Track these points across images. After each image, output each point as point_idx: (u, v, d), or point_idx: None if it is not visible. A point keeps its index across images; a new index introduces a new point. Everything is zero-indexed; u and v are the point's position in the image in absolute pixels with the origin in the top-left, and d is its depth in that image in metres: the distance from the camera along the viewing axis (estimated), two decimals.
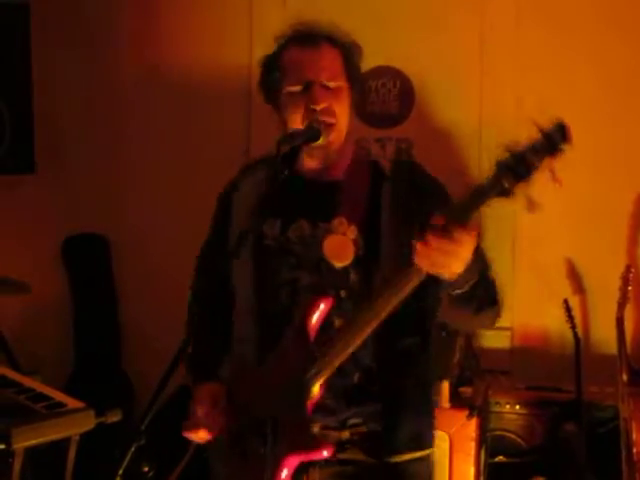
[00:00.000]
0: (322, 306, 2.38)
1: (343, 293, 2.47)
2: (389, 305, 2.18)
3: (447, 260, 2.06)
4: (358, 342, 2.27)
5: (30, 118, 4.84)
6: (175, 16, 4.97)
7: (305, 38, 2.58)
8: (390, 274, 2.21)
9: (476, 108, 4.48)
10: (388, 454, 2.47)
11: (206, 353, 2.70)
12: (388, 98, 4.61)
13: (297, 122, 2.50)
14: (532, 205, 2.04)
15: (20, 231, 4.87)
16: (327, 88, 2.52)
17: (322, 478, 2.46)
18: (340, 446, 2.47)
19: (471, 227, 2.05)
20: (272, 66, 2.60)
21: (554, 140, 2.03)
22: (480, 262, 2.24)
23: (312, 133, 2.44)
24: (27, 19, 4.79)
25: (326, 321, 2.40)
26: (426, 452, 2.56)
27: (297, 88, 2.52)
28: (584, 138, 4.35)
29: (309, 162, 2.58)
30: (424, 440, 2.57)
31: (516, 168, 2.00)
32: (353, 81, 2.60)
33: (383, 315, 2.20)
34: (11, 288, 4.02)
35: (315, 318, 2.38)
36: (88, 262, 5.13)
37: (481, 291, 2.31)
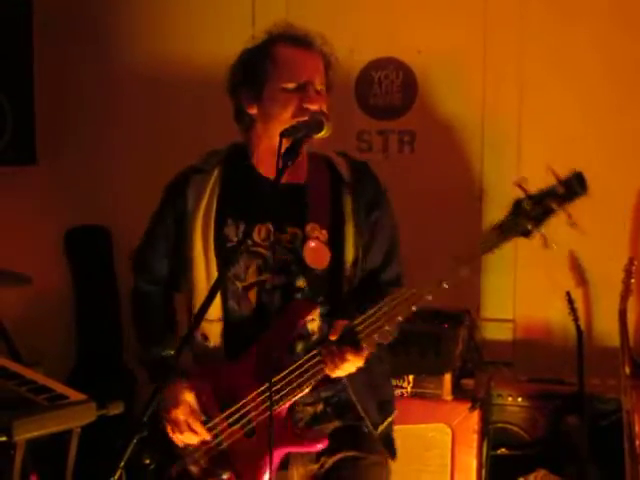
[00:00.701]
0: (312, 315, 2.58)
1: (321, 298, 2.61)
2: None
3: (334, 369, 2.44)
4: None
5: (31, 110, 4.83)
6: (178, 12, 4.96)
7: (299, 39, 2.62)
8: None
9: (479, 100, 4.47)
10: (375, 429, 2.65)
11: (166, 354, 2.75)
12: (391, 90, 4.59)
13: (285, 118, 2.53)
14: (547, 243, 2.32)
15: (22, 223, 4.87)
16: (318, 92, 2.58)
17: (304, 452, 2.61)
18: (315, 419, 2.63)
19: (362, 351, 2.42)
20: (260, 59, 2.61)
21: (573, 188, 2.29)
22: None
23: (316, 124, 2.45)
24: (29, 12, 4.79)
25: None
26: (393, 416, 2.76)
27: (291, 85, 2.55)
28: (587, 129, 4.38)
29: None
30: (391, 406, 2.77)
31: (535, 211, 2.33)
32: (329, 91, 2.66)
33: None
34: (13, 280, 4.01)
35: (302, 324, 2.57)
36: (90, 254, 5.13)
37: None
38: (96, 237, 5.10)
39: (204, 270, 2.62)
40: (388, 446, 2.71)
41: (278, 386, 2.48)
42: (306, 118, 2.49)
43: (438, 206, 4.48)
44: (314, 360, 2.48)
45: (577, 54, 4.31)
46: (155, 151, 4.96)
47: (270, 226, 2.60)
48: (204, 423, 2.59)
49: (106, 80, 5.03)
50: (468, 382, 3.90)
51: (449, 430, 3.71)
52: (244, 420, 2.54)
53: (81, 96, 5.07)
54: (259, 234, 2.61)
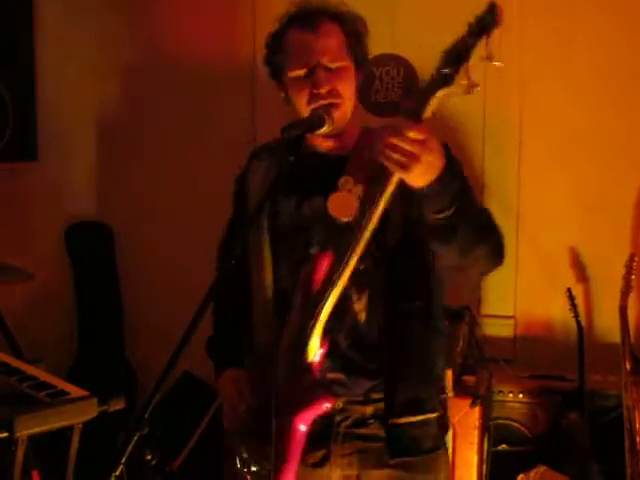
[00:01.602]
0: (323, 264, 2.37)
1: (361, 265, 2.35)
2: (371, 222, 2.17)
3: (406, 159, 2.06)
4: (345, 278, 2.26)
5: (33, 105, 4.83)
6: (180, 3, 4.96)
7: (306, 18, 2.55)
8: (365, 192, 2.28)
9: (480, 96, 4.46)
10: (387, 417, 2.48)
11: (230, 339, 2.74)
12: (392, 86, 4.59)
13: (303, 105, 2.51)
14: (472, 85, 2.09)
15: (23, 219, 4.87)
16: (329, 70, 2.51)
17: (345, 454, 2.50)
18: (363, 421, 2.51)
19: (420, 126, 2.12)
20: (275, 47, 2.60)
21: (485, 20, 2.14)
22: (455, 183, 2.18)
23: (315, 121, 2.44)
24: (30, 6, 4.79)
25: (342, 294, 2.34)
26: (426, 416, 2.54)
27: (300, 72, 2.51)
28: (589, 126, 4.38)
29: (318, 139, 2.56)
30: (424, 404, 2.54)
31: (455, 54, 2.10)
32: (357, 57, 2.59)
33: (366, 235, 2.19)
34: (14, 276, 4.02)
35: (317, 276, 2.37)
36: (91, 250, 5.14)
37: (465, 221, 2.23)
38: (97, 233, 5.10)
39: (256, 251, 2.58)
40: (399, 446, 2.51)
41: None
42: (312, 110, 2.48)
43: None
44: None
45: (578, 51, 4.31)
46: (158, 147, 4.97)
47: (317, 199, 2.51)
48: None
49: (109, 74, 5.04)
50: (469, 379, 3.90)
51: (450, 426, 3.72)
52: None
53: (83, 91, 5.07)
54: (308, 207, 2.55)
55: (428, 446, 2.55)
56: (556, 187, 4.37)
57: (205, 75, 4.82)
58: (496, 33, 4.30)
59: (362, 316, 2.50)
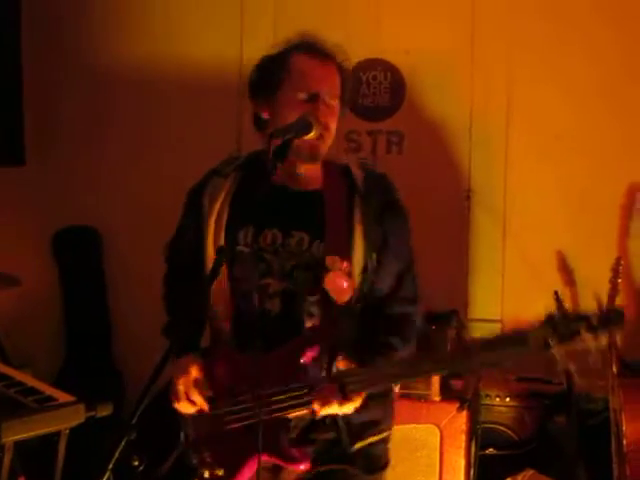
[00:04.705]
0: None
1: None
2: None
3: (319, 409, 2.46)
4: None
5: (20, 110, 4.82)
6: (166, 11, 4.95)
7: (316, 49, 2.65)
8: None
9: (467, 101, 4.48)
10: (350, 446, 2.62)
11: (185, 326, 2.74)
12: (379, 90, 4.60)
13: None
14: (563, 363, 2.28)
15: (10, 223, 4.86)
16: (327, 104, 2.60)
17: None
18: (313, 426, 2.61)
19: (349, 402, 2.45)
20: (276, 66, 2.65)
21: (609, 321, 2.22)
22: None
23: (304, 125, 2.50)
24: (18, 11, 4.78)
25: None
26: (383, 435, 2.72)
27: (302, 95, 2.58)
28: (576, 128, 4.39)
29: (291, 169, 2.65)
30: (381, 425, 2.71)
31: (562, 330, 2.27)
32: (343, 104, 2.70)
33: None
34: (1, 281, 4.01)
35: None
36: (78, 254, 5.12)
37: None
38: (85, 238, 5.09)
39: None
40: (365, 464, 2.68)
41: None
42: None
43: (426, 206, 4.47)
44: (304, 392, 2.49)
45: (565, 54, 4.33)
46: (144, 152, 4.96)
47: (277, 231, 2.63)
48: (210, 401, 2.61)
49: (95, 81, 5.02)
50: (456, 382, 3.91)
51: (437, 430, 3.71)
52: (244, 414, 2.53)
53: (70, 97, 5.06)
54: (265, 239, 2.63)
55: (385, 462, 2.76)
56: (543, 190, 4.38)
57: (191, 81, 4.81)
58: (486, 35, 4.31)
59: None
